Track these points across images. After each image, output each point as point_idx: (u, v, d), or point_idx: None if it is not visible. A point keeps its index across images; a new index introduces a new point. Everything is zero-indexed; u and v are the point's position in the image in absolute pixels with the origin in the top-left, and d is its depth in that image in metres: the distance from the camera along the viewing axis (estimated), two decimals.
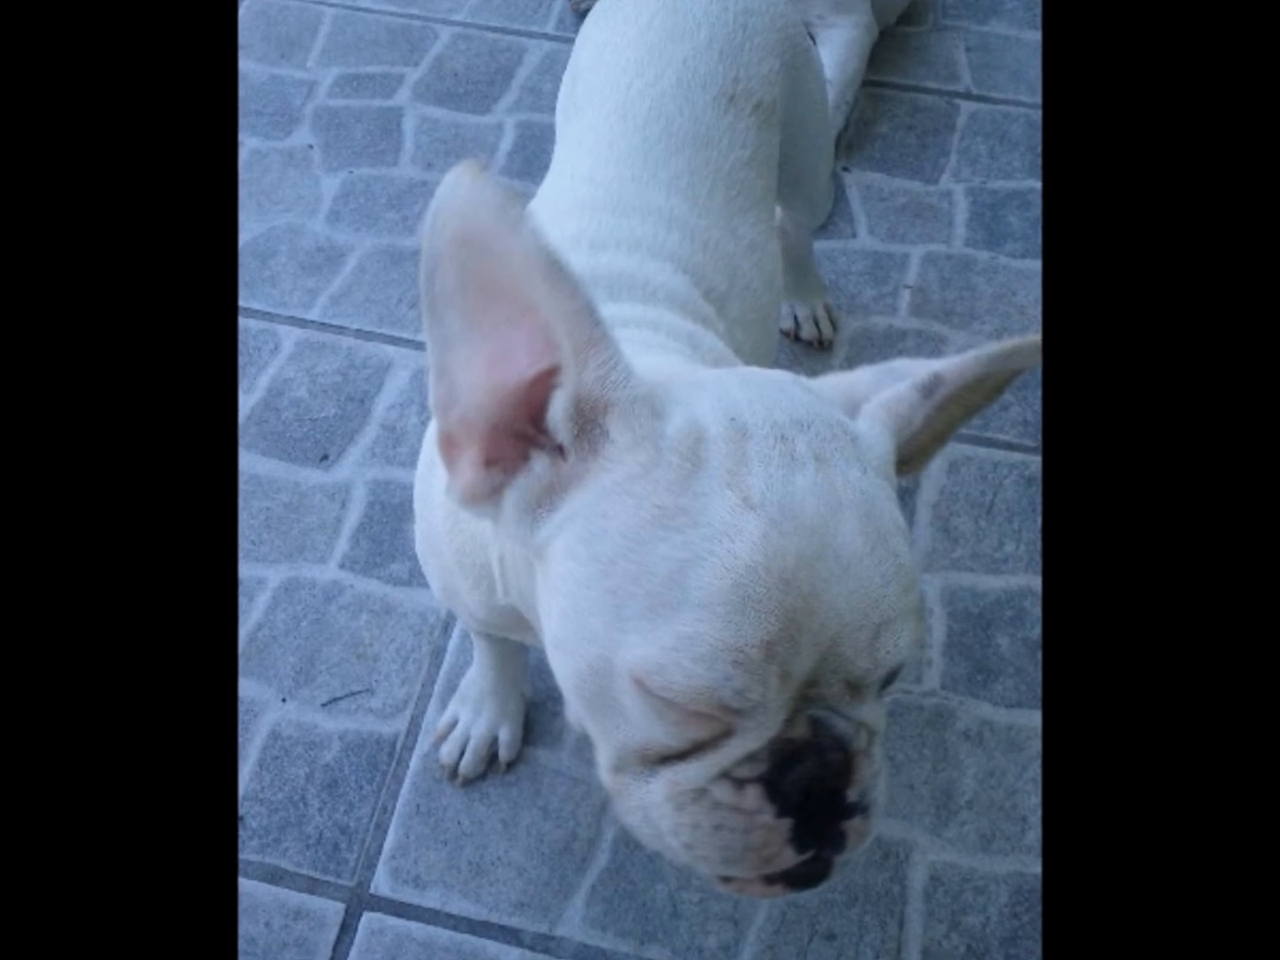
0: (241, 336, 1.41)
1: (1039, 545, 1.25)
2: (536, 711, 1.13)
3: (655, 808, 0.55)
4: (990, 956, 1.01)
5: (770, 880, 0.56)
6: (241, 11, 1.80)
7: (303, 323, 1.43)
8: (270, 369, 1.39)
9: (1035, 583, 1.22)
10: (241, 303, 1.44)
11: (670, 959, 1.01)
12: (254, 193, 1.57)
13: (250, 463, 1.30)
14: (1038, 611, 1.20)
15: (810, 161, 1.12)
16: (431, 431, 0.70)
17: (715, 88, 0.91)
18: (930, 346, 1.42)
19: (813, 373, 0.60)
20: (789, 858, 0.55)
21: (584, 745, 1.08)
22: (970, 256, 1.51)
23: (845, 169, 1.61)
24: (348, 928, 1.02)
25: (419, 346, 1.40)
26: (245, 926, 1.01)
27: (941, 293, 1.47)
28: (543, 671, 0.78)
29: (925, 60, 1.76)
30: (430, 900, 1.03)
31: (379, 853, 1.06)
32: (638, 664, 0.51)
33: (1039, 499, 1.28)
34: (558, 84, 1.04)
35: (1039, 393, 1.36)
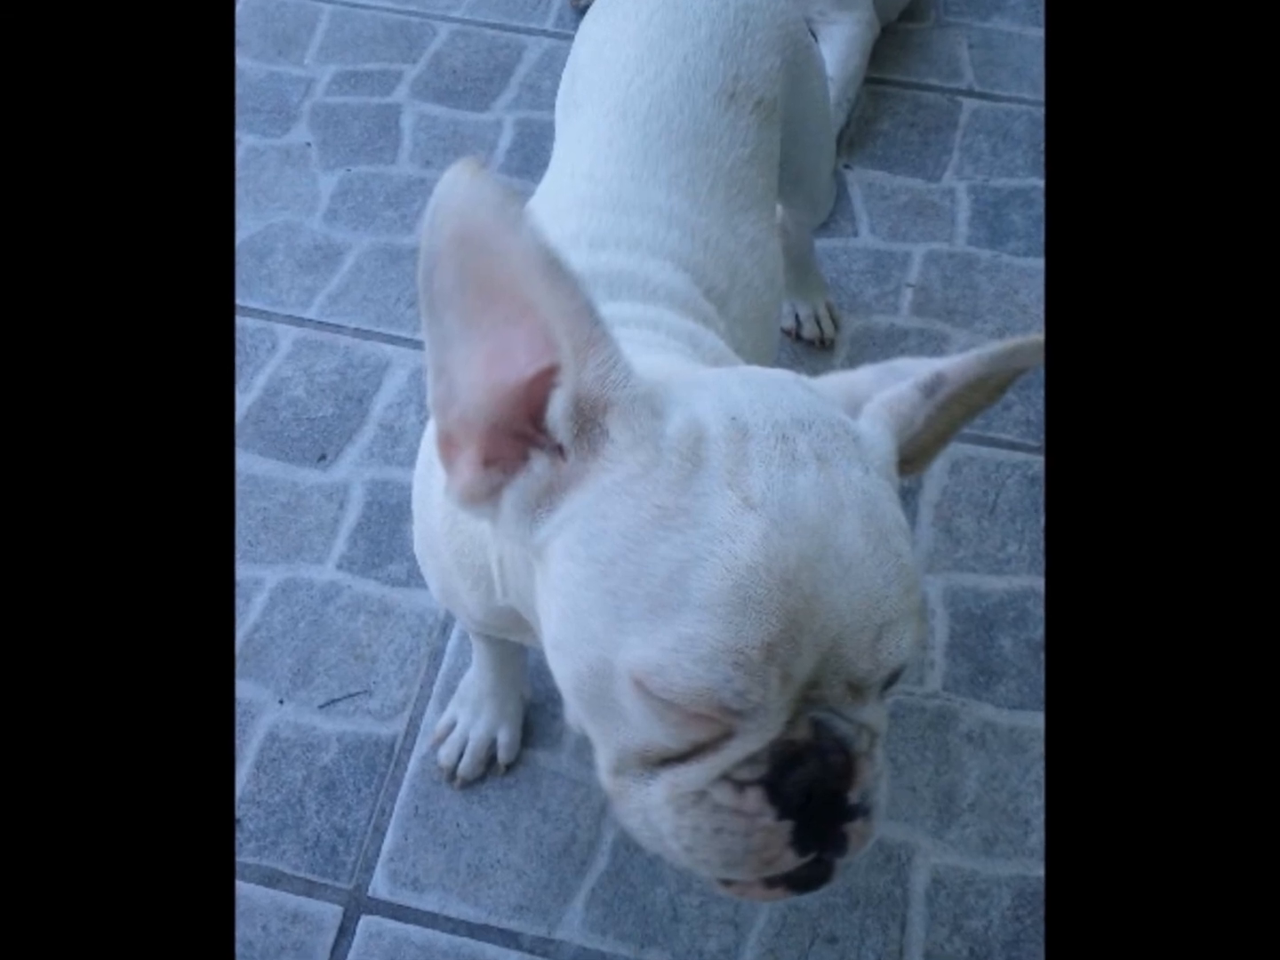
0: (239, 335, 1.41)
1: (1042, 546, 1.24)
2: (536, 713, 1.12)
3: (655, 810, 0.55)
4: None
5: (771, 883, 0.56)
6: (239, 8, 1.80)
7: (300, 321, 1.43)
8: (267, 368, 1.38)
9: (1038, 583, 1.22)
10: (239, 301, 1.44)
11: None
12: (251, 190, 1.56)
13: (247, 463, 1.30)
14: (1041, 612, 1.19)
15: (811, 159, 1.12)
16: (430, 431, 0.70)
17: (716, 85, 0.90)
18: (932, 345, 1.41)
19: (814, 372, 0.60)
20: (790, 860, 0.54)
21: (583, 747, 1.08)
22: (972, 255, 1.51)
23: (847, 167, 1.60)
24: (345, 931, 1.01)
25: (417, 345, 1.39)
26: (242, 930, 1.01)
27: (944, 291, 1.47)
28: (542, 673, 0.78)
29: (927, 57, 1.76)
30: (429, 903, 1.03)
31: (377, 855, 1.05)
32: (638, 665, 0.50)
33: (1042, 499, 1.27)
34: (557, 81, 1.04)
35: (1042, 392, 1.35)
